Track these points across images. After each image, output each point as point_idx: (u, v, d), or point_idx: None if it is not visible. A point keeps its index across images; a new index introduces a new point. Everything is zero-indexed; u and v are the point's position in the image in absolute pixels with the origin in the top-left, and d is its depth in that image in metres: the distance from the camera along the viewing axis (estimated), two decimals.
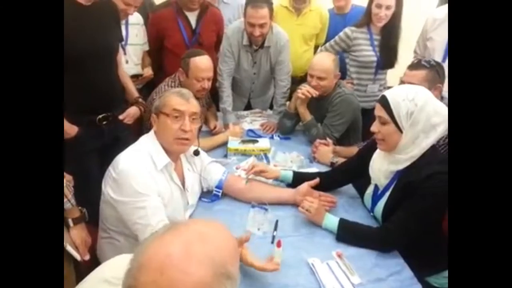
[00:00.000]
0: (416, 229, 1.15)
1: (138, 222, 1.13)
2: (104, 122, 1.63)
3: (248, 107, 2.45)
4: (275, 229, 1.28)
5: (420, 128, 1.15)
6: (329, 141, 1.83)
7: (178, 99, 1.24)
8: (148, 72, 2.22)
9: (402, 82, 1.65)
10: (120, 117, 1.72)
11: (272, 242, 1.22)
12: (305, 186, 1.41)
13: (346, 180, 1.53)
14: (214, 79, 2.02)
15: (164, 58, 2.29)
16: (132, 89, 1.86)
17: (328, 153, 1.78)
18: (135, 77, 2.11)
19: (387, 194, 1.26)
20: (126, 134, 1.78)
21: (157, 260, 0.49)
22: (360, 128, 2.01)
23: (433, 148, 1.19)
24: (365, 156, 1.38)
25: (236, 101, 2.34)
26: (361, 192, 1.45)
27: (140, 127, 1.98)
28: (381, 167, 1.27)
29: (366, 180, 1.38)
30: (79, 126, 1.54)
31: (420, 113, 1.14)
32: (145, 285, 0.48)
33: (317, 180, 1.44)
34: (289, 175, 1.52)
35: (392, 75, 2.33)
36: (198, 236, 0.53)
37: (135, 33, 2.10)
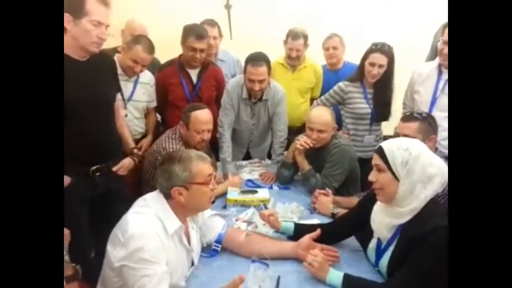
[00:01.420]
0: (421, 285, 1.11)
1: None
2: (97, 174, 1.62)
3: (247, 156, 2.48)
4: (277, 286, 1.22)
5: (416, 177, 1.17)
6: (329, 191, 1.83)
7: (207, 165, 1.26)
8: (145, 143, 2.25)
9: (396, 133, 1.70)
10: (114, 168, 1.71)
11: None
12: (306, 239, 1.38)
13: (348, 233, 1.49)
14: (213, 130, 2.07)
15: (166, 112, 2.39)
16: (129, 139, 1.87)
17: (328, 203, 1.77)
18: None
19: (391, 248, 1.23)
20: (119, 186, 1.76)
21: None
22: (359, 178, 2.03)
23: (432, 200, 1.19)
24: (365, 208, 1.37)
25: (235, 151, 2.38)
26: (364, 245, 1.41)
27: (135, 179, 1.97)
28: (383, 221, 1.25)
29: (368, 232, 1.35)
30: (71, 176, 1.50)
31: (415, 163, 1.17)
32: None
33: (318, 232, 1.41)
34: (290, 226, 1.50)
35: (387, 125, 2.41)
36: None
37: (142, 91, 2.20)
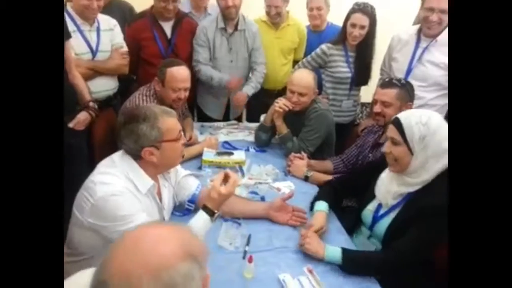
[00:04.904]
0: (428, 252, 1.13)
1: None
2: None
3: (226, 115, 2.44)
4: (247, 244, 1.26)
5: (430, 152, 1.16)
6: (304, 155, 1.85)
7: (173, 120, 1.19)
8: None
9: (375, 100, 1.71)
10: (70, 125, 1.64)
11: (244, 258, 1.20)
12: (278, 200, 1.41)
13: (347, 196, 1.56)
14: (191, 90, 2.00)
15: (139, 69, 2.26)
16: (83, 91, 1.76)
17: (303, 166, 1.79)
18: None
19: (392, 215, 1.25)
20: (77, 141, 1.70)
21: (131, 237, 0.55)
22: (334, 143, 2.05)
23: (446, 174, 1.17)
24: (369, 175, 1.38)
25: (215, 104, 2.37)
26: (346, 207, 1.47)
27: (109, 139, 1.91)
28: (391, 189, 1.26)
29: (368, 195, 1.37)
30: None
31: (433, 138, 1.16)
32: (117, 258, 0.52)
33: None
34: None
35: (365, 91, 2.41)
36: (170, 225, 0.63)
37: (108, 38, 2.03)
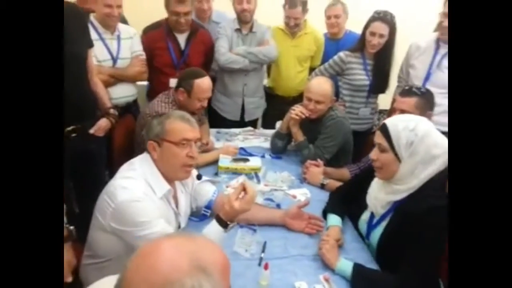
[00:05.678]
0: (433, 269, 1.11)
1: None
2: (73, 134, 1.58)
3: (242, 112, 2.47)
4: (263, 251, 1.26)
5: (419, 159, 1.14)
6: (320, 162, 1.84)
7: (185, 126, 1.20)
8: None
9: (393, 108, 1.69)
10: (91, 131, 1.68)
11: (259, 265, 1.19)
12: (294, 208, 1.40)
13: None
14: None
15: (151, 77, 2.29)
16: (104, 98, 1.80)
17: (319, 174, 1.78)
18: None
19: (383, 224, 1.23)
20: (98, 147, 1.74)
21: (142, 252, 0.55)
22: (351, 150, 2.03)
23: (431, 179, 1.16)
24: (363, 183, 1.36)
25: (230, 104, 2.44)
26: (354, 215, 1.42)
27: (127, 143, 1.95)
28: (379, 197, 1.25)
29: (362, 204, 1.35)
30: None
31: (420, 144, 1.13)
32: (131, 271, 0.53)
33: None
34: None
35: (383, 99, 2.38)
36: (186, 237, 0.59)
37: (128, 46, 2.09)
